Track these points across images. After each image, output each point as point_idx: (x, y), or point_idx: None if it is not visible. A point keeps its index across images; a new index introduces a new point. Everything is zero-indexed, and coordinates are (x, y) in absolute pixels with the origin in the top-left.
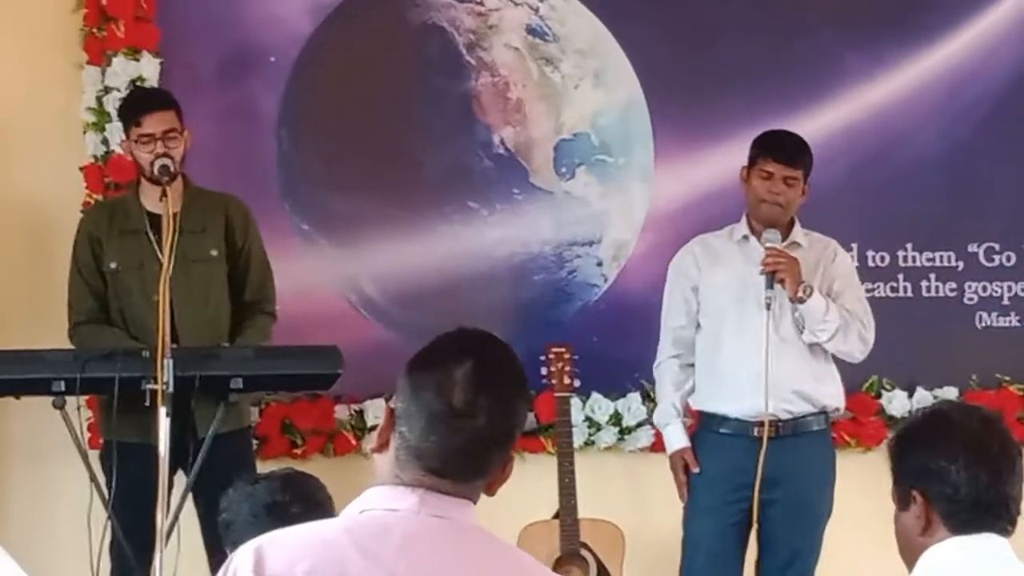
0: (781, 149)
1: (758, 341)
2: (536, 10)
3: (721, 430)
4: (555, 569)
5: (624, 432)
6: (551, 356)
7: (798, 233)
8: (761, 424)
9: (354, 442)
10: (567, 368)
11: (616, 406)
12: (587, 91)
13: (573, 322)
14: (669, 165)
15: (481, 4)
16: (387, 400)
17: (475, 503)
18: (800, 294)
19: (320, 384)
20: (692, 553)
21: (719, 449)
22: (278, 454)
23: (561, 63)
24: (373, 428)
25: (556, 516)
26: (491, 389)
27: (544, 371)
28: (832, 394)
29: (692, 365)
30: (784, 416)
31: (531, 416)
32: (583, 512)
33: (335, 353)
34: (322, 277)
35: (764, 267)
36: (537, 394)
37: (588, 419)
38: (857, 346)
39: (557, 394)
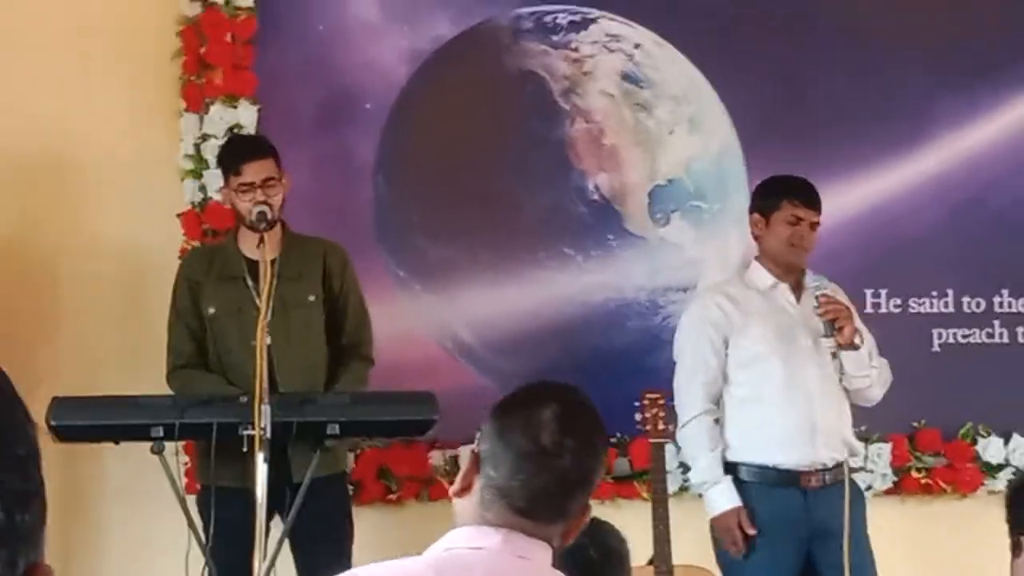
0: (808, 193)
1: (807, 389)
2: (631, 56)
3: (766, 482)
4: None
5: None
6: (645, 402)
7: (823, 280)
8: (812, 474)
9: (449, 487)
10: (661, 414)
11: None
12: (682, 137)
13: (668, 368)
14: None
15: (576, 51)
16: (474, 445)
17: (553, 549)
18: (856, 340)
19: (416, 430)
20: None
21: (766, 500)
22: (373, 499)
23: (656, 109)
24: None
25: (650, 562)
26: (576, 431)
27: (638, 417)
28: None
29: (718, 421)
30: (831, 464)
31: (625, 462)
32: (677, 558)
33: (431, 399)
34: (418, 323)
35: (823, 315)
36: (631, 440)
37: (682, 465)
38: (883, 390)
39: (652, 440)
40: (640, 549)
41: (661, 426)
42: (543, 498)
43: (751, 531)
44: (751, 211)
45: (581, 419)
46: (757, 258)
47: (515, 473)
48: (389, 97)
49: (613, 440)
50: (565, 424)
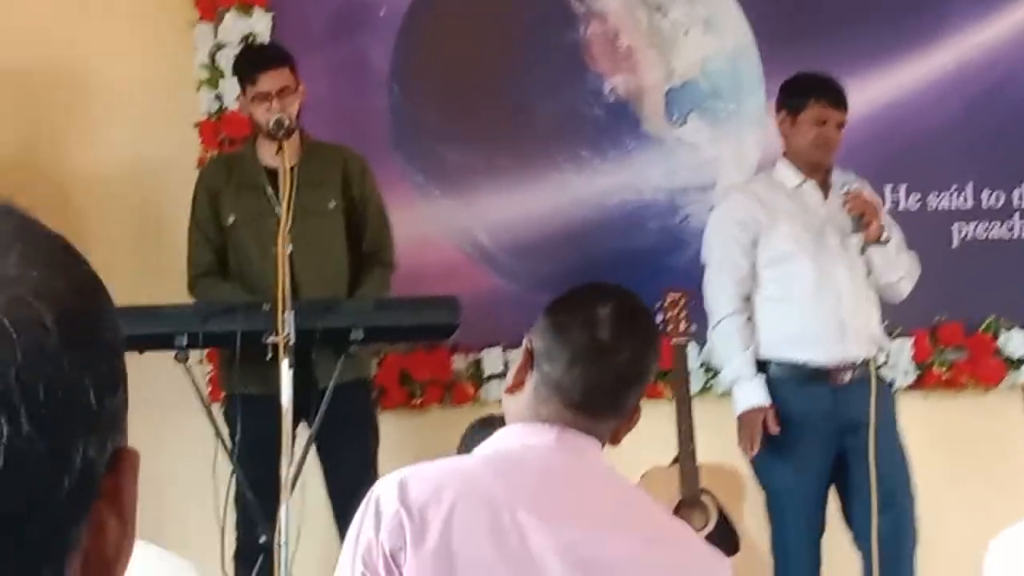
0: (835, 93)
1: (837, 286)
2: None
3: (797, 379)
4: (677, 515)
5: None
6: (667, 302)
7: (837, 174)
8: (841, 369)
9: (471, 392)
10: (683, 314)
11: None
12: (697, 37)
13: (688, 268)
14: None
15: None
16: (526, 342)
17: (603, 447)
18: (883, 236)
19: (440, 335)
20: (782, 507)
21: (797, 398)
22: (396, 405)
23: (670, 10)
24: (491, 377)
25: (675, 462)
26: (634, 329)
27: (660, 317)
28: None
29: (750, 319)
30: (859, 360)
31: None
32: (702, 457)
33: (454, 303)
34: (437, 228)
35: (849, 211)
36: None
37: (705, 365)
38: (911, 284)
39: (673, 340)
40: (665, 449)
41: (683, 326)
42: (599, 393)
43: (775, 430)
44: (777, 108)
45: (638, 318)
46: (783, 156)
47: (571, 368)
48: (402, 3)
49: None
50: (623, 322)
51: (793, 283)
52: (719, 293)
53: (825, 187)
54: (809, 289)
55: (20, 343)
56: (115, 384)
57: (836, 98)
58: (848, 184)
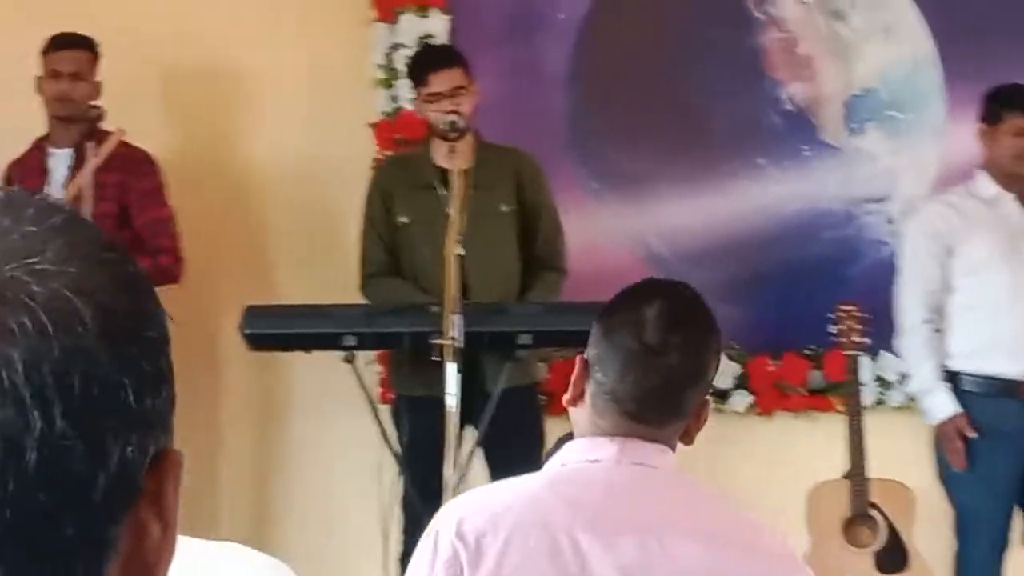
0: None
1: None
2: None
3: (988, 392)
4: (845, 529)
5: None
6: (840, 314)
7: None
8: None
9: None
10: (856, 326)
11: None
12: (877, 45)
13: (862, 279)
14: (961, 120)
15: None
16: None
17: (673, 450)
18: None
19: None
20: (970, 521)
21: (987, 411)
22: (566, 411)
23: (850, 17)
24: None
25: (846, 476)
26: (682, 327)
27: (833, 329)
28: None
29: (940, 331)
30: None
31: (820, 375)
32: (873, 472)
33: None
34: (610, 232)
35: None
36: (825, 352)
37: (879, 378)
38: None
39: (846, 352)
40: (836, 462)
41: (856, 338)
42: (652, 399)
43: (971, 434)
44: (978, 119)
45: (687, 314)
46: (982, 167)
47: (623, 375)
48: (581, 6)
49: (807, 352)
50: (670, 320)
51: (987, 294)
52: (908, 303)
53: (1022, 196)
54: (1003, 300)
55: (57, 338)
56: (157, 383)
57: None
58: None
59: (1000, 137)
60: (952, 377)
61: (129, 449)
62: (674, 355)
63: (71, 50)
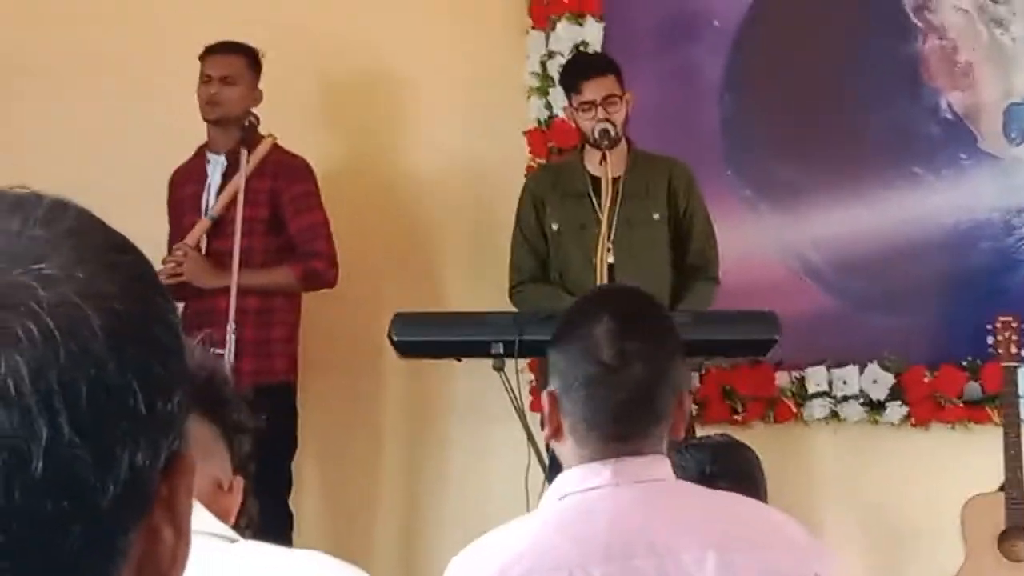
0: None
1: None
2: None
3: None
4: (1000, 542)
5: None
6: (998, 325)
7: None
8: None
9: (795, 409)
10: (1014, 337)
11: None
12: None
13: (1021, 290)
14: None
15: None
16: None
17: (664, 453)
18: None
19: (757, 350)
20: None
21: None
22: (719, 419)
23: (1011, 25)
24: (814, 395)
25: (1001, 488)
26: (634, 334)
27: (990, 340)
28: None
29: None
30: None
31: (977, 386)
32: None
33: (772, 319)
34: (763, 242)
35: None
36: (983, 364)
37: None
38: None
39: (1004, 364)
40: (992, 475)
41: (1014, 350)
42: (626, 414)
43: None
44: None
45: (635, 320)
46: None
47: (591, 399)
48: (737, 14)
49: (964, 364)
50: (620, 332)
51: None
52: None
53: None
54: None
55: (64, 345)
56: (169, 388)
57: None
58: None
59: None
60: None
61: (139, 456)
62: (635, 364)
63: (221, 55)
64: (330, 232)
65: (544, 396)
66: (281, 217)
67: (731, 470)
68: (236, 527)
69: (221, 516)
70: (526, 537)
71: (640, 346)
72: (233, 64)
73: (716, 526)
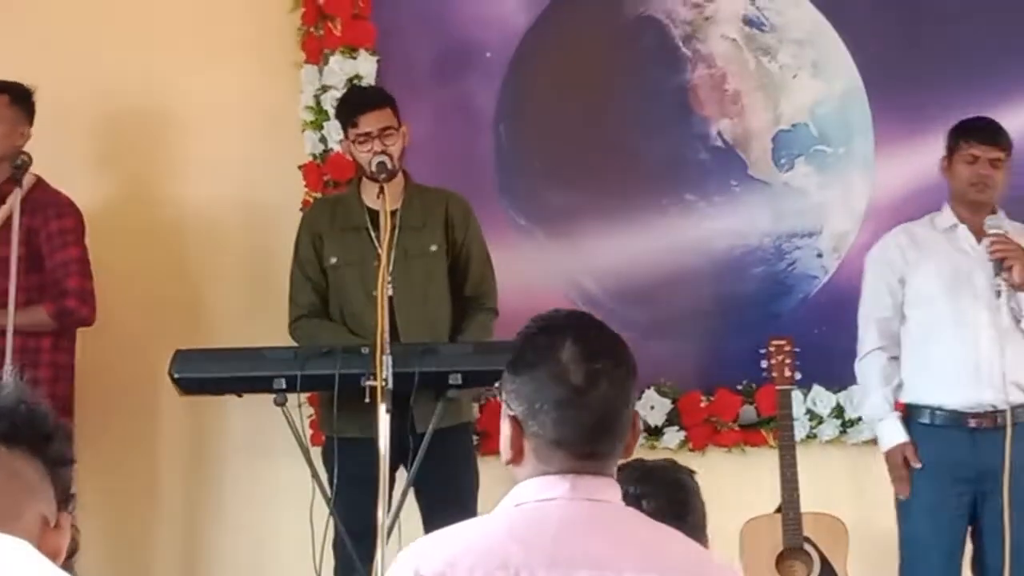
0: (983, 131)
1: (976, 331)
2: (753, 0)
3: (934, 422)
4: (778, 564)
5: (846, 425)
6: (772, 349)
7: (1003, 220)
8: (977, 416)
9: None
10: (788, 361)
11: (838, 399)
12: (805, 81)
13: (793, 314)
14: (890, 154)
15: None
16: (505, 410)
17: (615, 477)
18: None
19: None
20: (913, 550)
21: (934, 441)
22: (498, 450)
23: (778, 53)
24: None
25: (778, 510)
26: (600, 355)
27: (765, 364)
28: None
29: (896, 358)
30: (1000, 406)
31: (752, 409)
32: (805, 506)
33: None
34: (541, 272)
35: (992, 254)
36: (758, 387)
37: (810, 412)
38: None
39: (778, 387)
40: (768, 496)
41: (787, 373)
42: (597, 434)
43: (916, 464)
44: (944, 156)
45: (597, 340)
46: (947, 201)
47: (562, 422)
48: (509, 46)
49: (739, 388)
50: (586, 354)
51: (932, 324)
52: (863, 331)
53: (980, 231)
54: (947, 331)
55: None
56: None
57: (986, 136)
58: (998, 227)
59: (955, 167)
60: (908, 408)
61: None
62: (603, 384)
63: None
64: (87, 269)
65: (505, 421)
66: (39, 255)
67: (658, 493)
68: (65, 566)
69: (51, 555)
70: (477, 535)
71: (606, 366)
72: None
73: (657, 554)
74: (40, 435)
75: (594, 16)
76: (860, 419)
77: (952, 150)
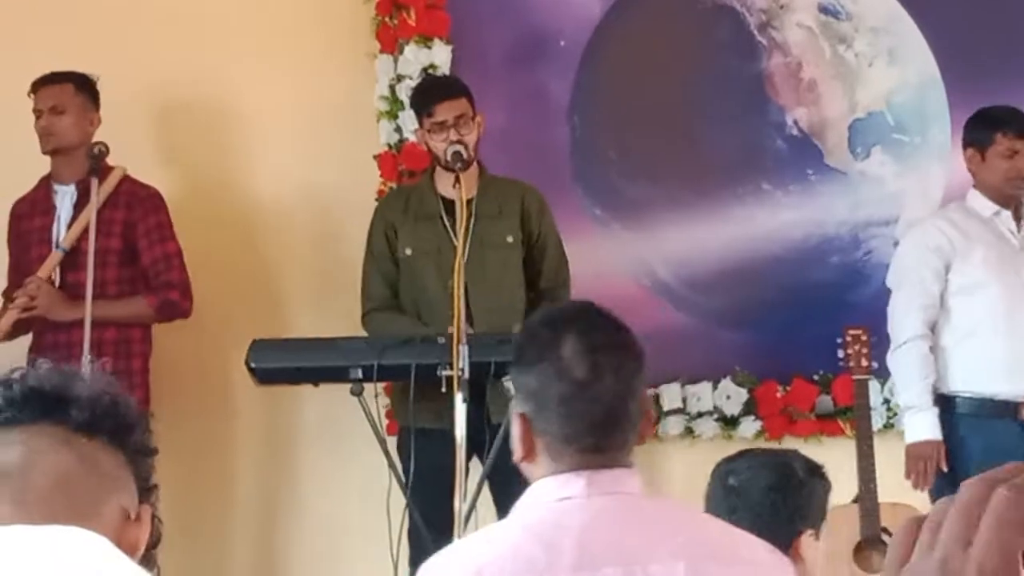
0: (1021, 124)
1: None
2: None
3: (982, 414)
4: (856, 554)
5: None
6: (848, 338)
7: None
8: None
9: (650, 427)
10: (864, 350)
11: None
12: (881, 69)
13: (870, 304)
14: None
15: None
16: (514, 408)
17: (633, 465)
18: None
19: None
20: None
21: (981, 433)
22: None
23: (854, 41)
24: (669, 412)
25: (856, 500)
26: (602, 347)
27: (841, 353)
28: None
29: (932, 349)
30: None
31: (829, 399)
32: (883, 496)
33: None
34: (616, 261)
35: None
36: (835, 377)
37: (886, 401)
38: None
39: (855, 377)
40: (845, 487)
41: (864, 363)
42: (606, 427)
43: (944, 467)
44: (965, 146)
45: (600, 332)
46: (974, 187)
47: (569, 417)
48: (583, 34)
49: (816, 377)
50: (588, 347)
51: (982, 313)
52: (905, 317)
53: (1019, 217)
54: (999, 319)
55: None
56: None
57: (1022, 128)
58: None
59: (991, 160)
60: (947, 400)
61: None
62: (607, 377)
63: (47, 86)
64: (183, 262)
65: (515, 419)
66: (135, 248)
67: (749, 470)
68: (146, 557)
69: (130, 548)
70: (501, 542)
71: (609, 358)
72: (59, 93)
73: (685, 539)
74: (122, 425)
75: (669, 4)
76: None
77: (984, 143)
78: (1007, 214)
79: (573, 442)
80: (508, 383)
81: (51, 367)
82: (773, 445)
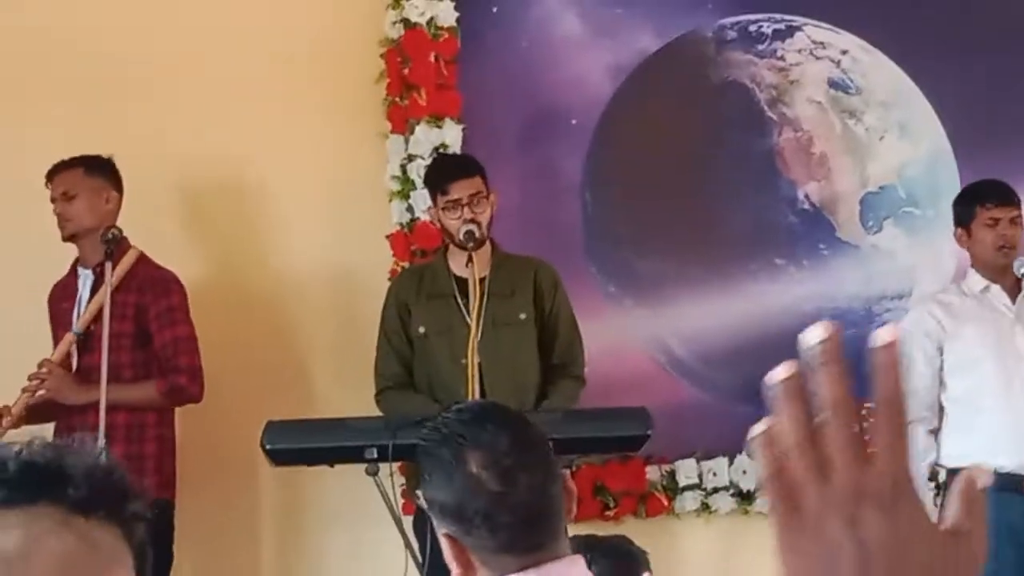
0: (998, 192)
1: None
2: (838, 63)
3: (992, 488)
4: None
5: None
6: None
7: (1017, 262)
8: None
9: (666, 503)
10: None
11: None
12: (892, 143)
13: None
14: None
15: (782, 59)
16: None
17: (571, 551)
18: None
19: (630, 446)
20: None
21: (991, 507)
22: (590, 516)
23: (864, 115)
24: (686, 488)
25: None
26: (506, 451)
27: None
28: None
29: (933, 432)
30: None
31: None
32: None
33: (644, 414)
34: (629, 337)
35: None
36: None
37: None
38: None
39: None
40: None
41: None
42: (539, 522)
43: None
44: (955, 226)
45: (499, 435)
46: (971, 265)
47: (498, 527)
48: (594, 112)
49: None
50: (493, 456)
51: (980, 387)
52: None
53: (1015, 291)
54: (996, 393)
55: None
56: None
57: (1000, 196)
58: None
59: (977, 233)
60: (951, 475)
61: None
62: (522, 477)
63: (59, 174)
64: (195, 347)
65: (442, 539)
66: (147, 332)
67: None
68: None
69: None
70: None
71: (518, 460)
72: (70, 178)
73: None
74: (117, 497)
75: (679, 82)
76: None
77: (967, 218)
78: (997, 288)
79: (509, 550)
80: (421, 501)
81: (43, 443)
82: None
